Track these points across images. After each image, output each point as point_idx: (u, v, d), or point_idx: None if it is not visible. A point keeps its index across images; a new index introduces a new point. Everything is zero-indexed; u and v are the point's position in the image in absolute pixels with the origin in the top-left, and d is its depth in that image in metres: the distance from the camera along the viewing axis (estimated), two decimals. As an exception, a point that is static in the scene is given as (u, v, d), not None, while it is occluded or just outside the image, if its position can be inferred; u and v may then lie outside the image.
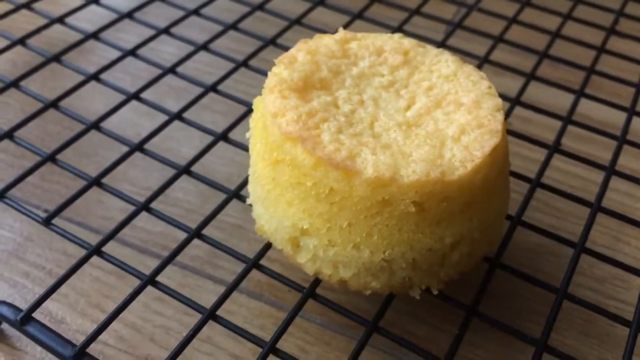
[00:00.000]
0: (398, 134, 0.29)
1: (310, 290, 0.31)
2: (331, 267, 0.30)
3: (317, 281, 0.32)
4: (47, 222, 0.33)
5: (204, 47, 0.45)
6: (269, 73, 0.31)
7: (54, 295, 0.31)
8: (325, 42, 0.34)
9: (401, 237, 0.28)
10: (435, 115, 0.30)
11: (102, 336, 0.30)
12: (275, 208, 0.30)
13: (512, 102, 0.43)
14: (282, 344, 0.30)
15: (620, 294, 0.38)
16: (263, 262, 0.33)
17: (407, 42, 0.34)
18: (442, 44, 0.47)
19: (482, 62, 0.46)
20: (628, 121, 0.42)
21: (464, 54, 0.46)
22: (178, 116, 0.40)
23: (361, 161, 0.27)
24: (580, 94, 0.44)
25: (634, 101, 0.44)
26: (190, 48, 0.45)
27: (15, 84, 0.41)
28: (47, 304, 0.34)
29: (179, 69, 0.44)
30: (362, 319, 0.30)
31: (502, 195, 0.32)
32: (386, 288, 0.30)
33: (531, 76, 0.45)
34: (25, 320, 0.29)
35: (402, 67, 0.33)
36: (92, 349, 0.29)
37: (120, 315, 0.30)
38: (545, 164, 0.39)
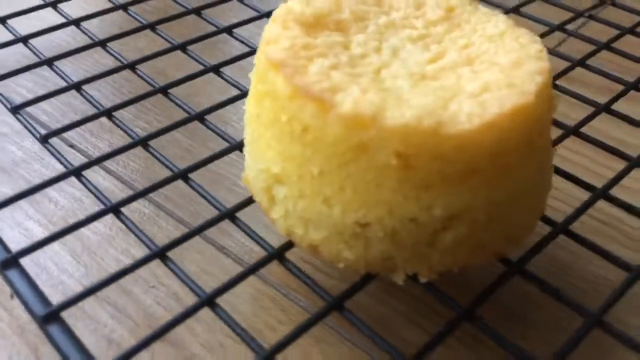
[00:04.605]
0: (405, 82, 0.24)
1: (279, 253, 0.27)
2: (302, 226, 0.25)
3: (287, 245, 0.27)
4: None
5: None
6: (281, 4, 0.28)
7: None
8: (359, -12, 0.30)
9: (379, 196, 0.23)
10: (460, 72, 0.25)
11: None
12: (256, 152, 0.27)
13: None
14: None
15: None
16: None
17: (456, -1, 0.29)
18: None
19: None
20: None
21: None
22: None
23: (343, 95, 0.23)
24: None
25: None
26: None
27: (102, 44, 0.39)
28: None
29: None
30: (325, 293, 0.25)
31: (532, 180, 0.25)
32: (362, 262, 0.25)
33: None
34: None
35: (441, 23, 0.28)
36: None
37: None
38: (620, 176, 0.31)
